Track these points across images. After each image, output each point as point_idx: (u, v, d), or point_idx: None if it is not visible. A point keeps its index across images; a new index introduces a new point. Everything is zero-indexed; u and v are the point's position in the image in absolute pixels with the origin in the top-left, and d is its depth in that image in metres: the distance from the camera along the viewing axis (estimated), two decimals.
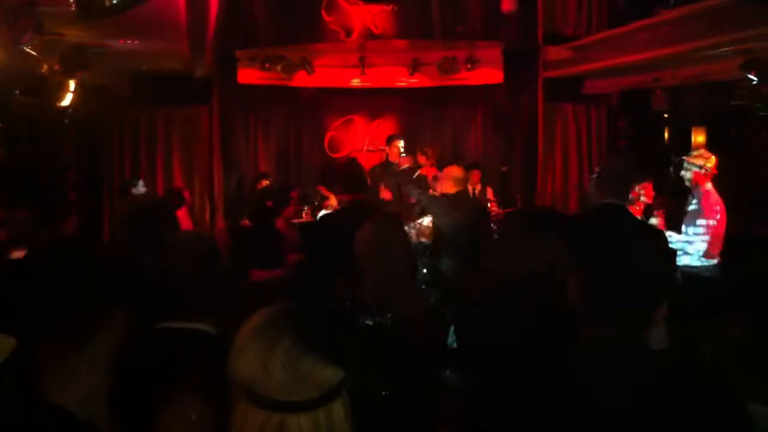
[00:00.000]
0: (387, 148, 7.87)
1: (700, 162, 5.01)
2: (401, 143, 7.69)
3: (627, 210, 3.92)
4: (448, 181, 5.17)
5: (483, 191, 8.16)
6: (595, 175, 3.92)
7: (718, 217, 4.88)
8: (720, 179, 5.04)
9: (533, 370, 1.68)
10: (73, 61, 5.83)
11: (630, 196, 5.20)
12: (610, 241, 1.69)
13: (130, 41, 6.19)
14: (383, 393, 2.15)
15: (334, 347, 1.19)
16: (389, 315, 2.48)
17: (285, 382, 1.14)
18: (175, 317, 1.93)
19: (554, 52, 8.50)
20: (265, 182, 8.01)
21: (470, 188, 8.21)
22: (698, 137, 8.79)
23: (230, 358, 1.19)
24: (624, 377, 1.50)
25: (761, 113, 6.60)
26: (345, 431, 1.18)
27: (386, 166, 7.67)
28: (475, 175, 8.19)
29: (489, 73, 8.99)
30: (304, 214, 7.50)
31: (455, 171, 5.28)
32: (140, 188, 7.30)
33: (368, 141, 9.65)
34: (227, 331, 1.28)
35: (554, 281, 1.86)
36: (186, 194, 7.40)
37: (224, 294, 2.01)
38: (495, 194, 8.24)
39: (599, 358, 1.55)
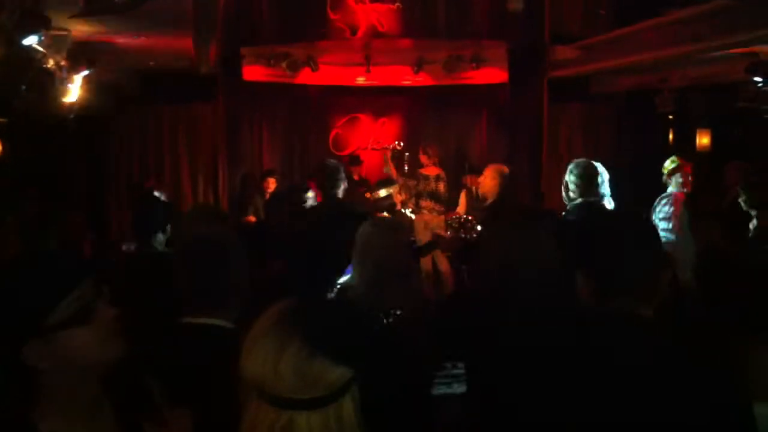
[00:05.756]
0: None
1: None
2: None
3: (603, 205, 4.34)
4: None
5: None
6: (572, 178, 4.16)
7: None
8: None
9: (546, 348, 1.69)
10: (80, 57, 5.84)
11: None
12: (603, 229, 1.79)
13: (136, 38, 6.20)
14: (387, 391, 2.15)
15: (344, 348, 1.19)
16: (388, 314, 2.48)
17: (295, 382, 1.14)
18: (194, 312, 1.94)
19: (560, 52, 8.48)
20: (272, 180, 8.03)
21: (473, 189, 8.22)
22: (703, 139, 8.78)
23: (241, 356, 1.19)
24: (632, 348, 1.55)
25: (767, 116, 6.59)
26: (354, 427, 1.18)
27: None
28: (474, 179, 8.17)
29: (494, 73, 8.98)
30: None
31: None
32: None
33: (373, 139, 9.65)
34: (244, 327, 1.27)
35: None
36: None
37: (243, 289, 2.01)
38: None
39: (607, 330, 1.60)
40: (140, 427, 1.42)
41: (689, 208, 5.09)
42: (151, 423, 1.42)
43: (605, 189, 4.44)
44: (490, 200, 5.64)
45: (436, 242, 6.33)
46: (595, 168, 4.36)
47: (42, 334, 1.26)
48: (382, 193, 7.30)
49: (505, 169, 5.64)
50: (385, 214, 7.30)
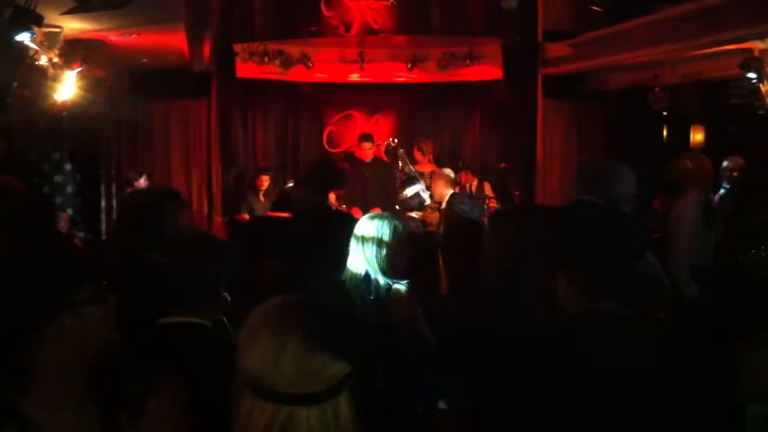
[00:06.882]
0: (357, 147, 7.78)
1: None
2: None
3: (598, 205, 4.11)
4: None
5: (480, 187, 8.12)
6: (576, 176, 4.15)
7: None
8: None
9: (534, 348, 1.68)
10: (73, 54, 5.80)
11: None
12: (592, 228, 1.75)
13: (129, 35, 6.17)
14: (377, 386, 2.16)
15: (344, 343, 1.20)
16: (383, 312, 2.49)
17: (295, 376, 1.15)
18: (175, 312, 1.94)
19: (554, 49, 8.49)
20: (265, 177, 8.01)
21: (467, 186, 8.20)
22: (697, 136, 8.79)
23: (239, 352, 1.19)
24: (625, 349, 1.54)
25: (760, 112, 6.60)
26: (350, 423, 1.19)
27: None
28: (468, 176, 8.13)
29: (488, 70, 8.99)
30: None
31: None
32: (142, 182, 7.32)
33: None
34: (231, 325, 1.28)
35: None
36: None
37: (224, 288, 2.02)
38: (493, 190, 8.22)
39: (600, 330, 1.60)
40: (121, 424, 1.45)
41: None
42: (133, 420, 1.45)
43: (616, 191, 4.28)
44: (444, 204, 6.16)
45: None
46: (597, 167, 4.23)
47: (71, 309, 1.38)
48: (409, 192, 7.30)
49: (452, 173, 6.36)
50: (415, 213, 7.29)
